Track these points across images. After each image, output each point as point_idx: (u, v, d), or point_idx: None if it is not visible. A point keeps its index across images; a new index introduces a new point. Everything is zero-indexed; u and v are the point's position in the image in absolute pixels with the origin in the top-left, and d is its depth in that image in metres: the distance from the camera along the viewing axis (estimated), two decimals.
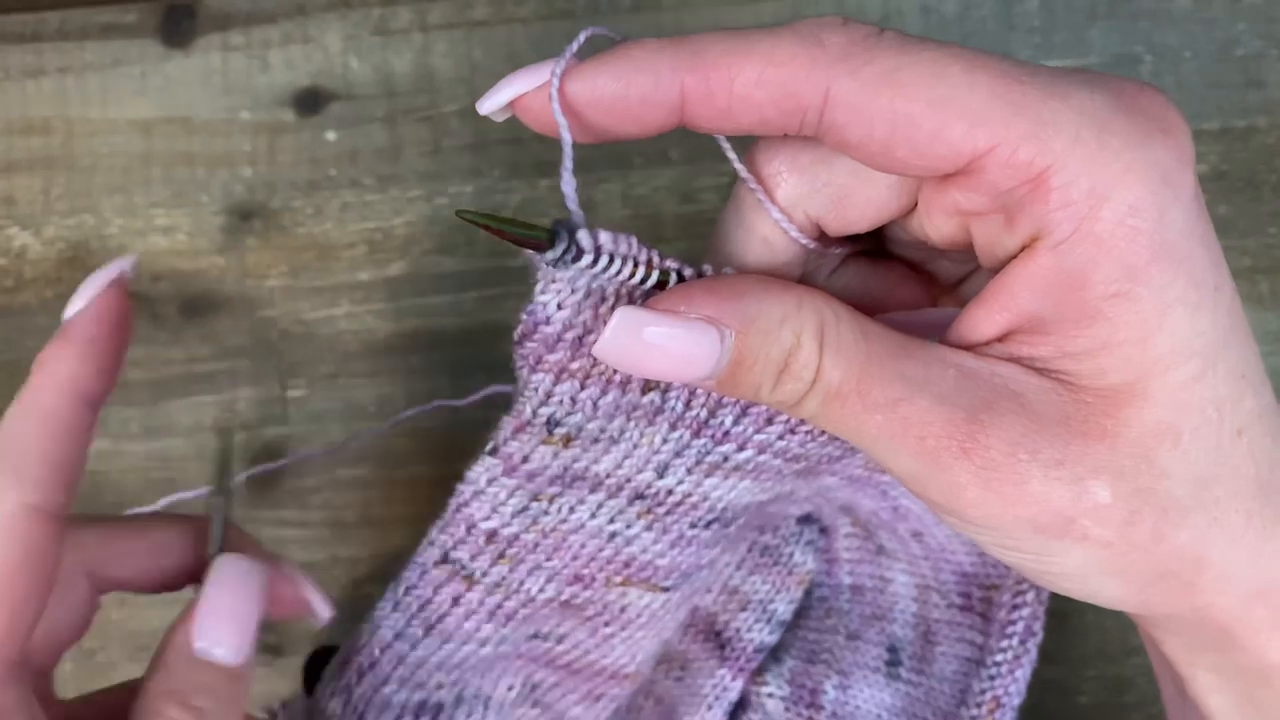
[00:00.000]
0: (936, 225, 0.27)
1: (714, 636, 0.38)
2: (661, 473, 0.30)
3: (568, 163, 0.26)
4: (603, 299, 0.26)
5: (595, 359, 0.27)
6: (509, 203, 0.46)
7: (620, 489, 0.30)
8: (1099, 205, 0.23)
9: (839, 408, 0.26)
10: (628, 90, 0.26)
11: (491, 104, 0.27)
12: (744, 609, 0.38)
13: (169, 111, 0.47)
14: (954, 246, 0.27)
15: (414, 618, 0.33)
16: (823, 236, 0.28)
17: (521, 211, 0.46)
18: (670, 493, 0.31)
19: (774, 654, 0.39)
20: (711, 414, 0.29)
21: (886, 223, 0.28)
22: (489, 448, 0.30)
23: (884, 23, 0.46)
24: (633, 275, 0.26)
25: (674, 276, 0.26)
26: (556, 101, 0.26)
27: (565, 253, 0.25)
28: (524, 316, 0.27)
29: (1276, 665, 0.27)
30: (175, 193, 0.47)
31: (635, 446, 0.29)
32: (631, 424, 0.29)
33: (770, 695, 0.38)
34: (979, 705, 0.35)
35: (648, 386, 0.28)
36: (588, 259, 0.25)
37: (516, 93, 0.26)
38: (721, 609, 0.39)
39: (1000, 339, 0.26)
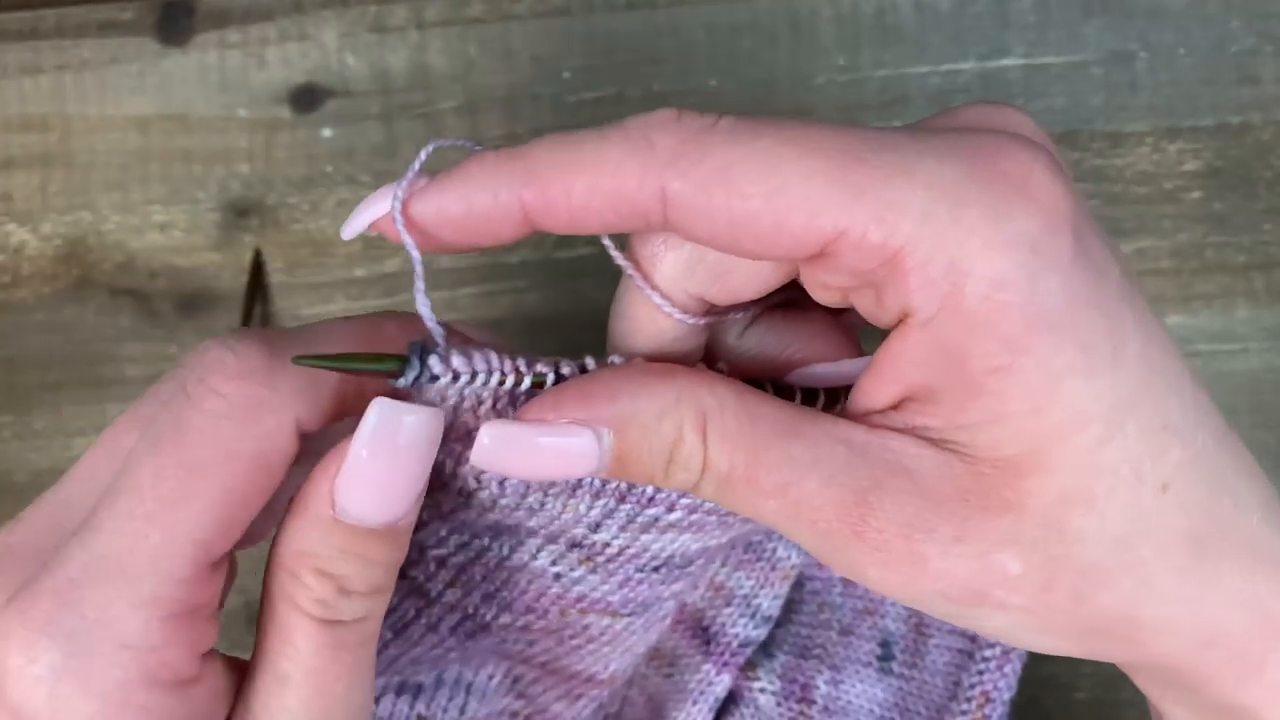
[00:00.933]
0: (818, 294, 0.26)
1: (700, 632, 0.38)
2: (594, 529, 0.29)
3: (419, 283, 0.26)
4: (479, 402, 0.26)
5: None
6: None
7: (557, 537, 0.30)
8: (961, 282, 0.23)
9: (733, 493, 0.26)
10: (470, 208, 0.25)
11: (351, 229, 0.27)
12: (729, 604, 0.38)
13: (166, 109, 0.47)
14: (845, 307, 0.27)
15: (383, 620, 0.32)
16: (713, 308, 0.28)
17: None
18: (607, 545, 0.30)
19: (766, 649, 0.39)
20: (630, 485, 0.28)
21: (774, 289, 0.27)
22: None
23: (878, 19, 0.46)
24: (503, 383, 0.25)
25: (551, 377, 0.26)
26: (400, 223, 0.26)
27: (419, 378, 0.25)
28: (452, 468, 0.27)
29: (1246, 707, 0.26)
30: (172, 189, 0.47)
31: (560, 514, 0.28)
32: (550, 498, 0.28)
33: (762, 690, 0.38)
34: (969, 700, 0.35)
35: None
36: (446, 379, 0.25)
37: (372, 218, 0.27)
38: (708, 605, 0.39)
39: (894, 407, 0.25)
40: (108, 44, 0.47)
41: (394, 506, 0.25)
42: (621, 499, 0.28)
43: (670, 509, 0.29)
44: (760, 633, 0.38)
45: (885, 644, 0.38)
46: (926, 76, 0.46)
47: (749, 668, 0.38)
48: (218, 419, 0.24)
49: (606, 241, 0.27)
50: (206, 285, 0.47)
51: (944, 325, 0.23)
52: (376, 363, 0.25)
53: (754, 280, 0.26)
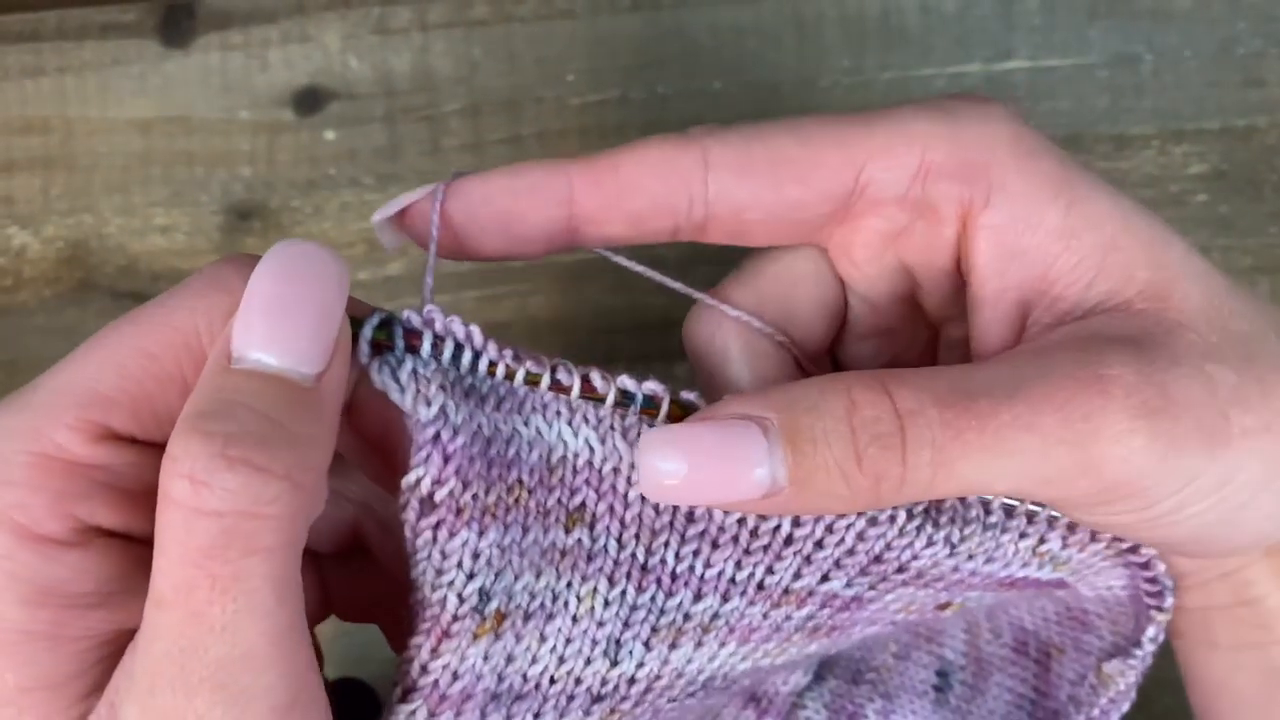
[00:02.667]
0: (869, 274, 0.28)
1: (751, 700, 0.35)
2: (615, 658, 0.26)
3: (429, 278, 0.25)
4: (481, 400, 0.24)
5: (501, 477, 0.24)
6: None
7: (572, 697, 0.26)
8: (989, 160, 0.26)
9: (953, 438, 0.23)
10: (516, 180, 0.26)
11: (383, 213, 0.27)
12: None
13: (168, 111, 0.47)
14: (890, 297, 0.29)
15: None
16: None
17: None
18: (632, 681, 0.26)
19: (818, 672, 0.36)
20: (649, 550, 0.26)
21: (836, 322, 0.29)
22: (398, 692, 0.24)
23: (883, 21, 0.46)
24: (491, 371, 0.24)
25: (548, 378, 0.24)
26: (436, 213, 0.26)
27: (384, 340, 0.24)
28: (411, 471, 0.23)
29: None
30: (174, 192, 0.47)
31: (575, 620, 0.25)
32: (563, 581, 0.25)
33: (808, 719, 0.37)
34: None
35: (570, 522, 0.25)
36: (426, 351, 0.24)
37: (410, 200, 0.26)
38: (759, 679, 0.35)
39: (1021, 322, 0.27)
40: (109, 46, 0.47)
41: (296, 345, 0.22)
42: (640, 585, 0.26)
43: (698, 594, 0.26)
44: (810, 676, 0.35)
45: (943, 673, 0.36)
46: (932, 79, 0.46)
47: (796, 694, 0.36)
48: (153, 307, 0.24)
49: (717, 306, 0.28)
50: None
51: (1005, 193, 0.26)
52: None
53: (815, 304, 0.29)
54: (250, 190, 0.47)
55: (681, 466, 0.23)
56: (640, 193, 0.26)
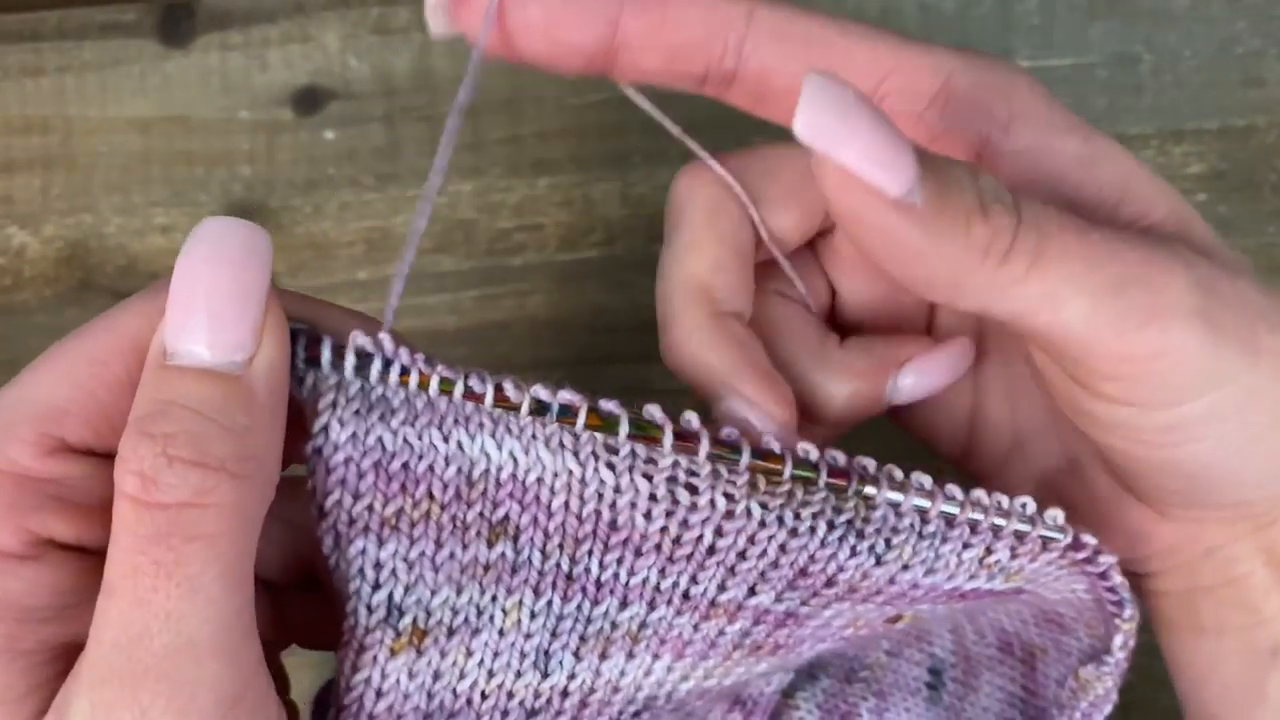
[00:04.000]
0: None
1: (735, 704, 0.34)
2: (545, 669, 0.26)
3: (409, 254, 0.26)
4: (390, 412, 0.24)
5: (405, 490, 0.24)
6: (507, 201, 0.46)
7: (505, 712, 0.26)
8: (1009, 92, 0.27)
9: (1057, 232, 0.24)
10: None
11: (435, 7, 0.27)
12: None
13: (168, 110, 0.47)
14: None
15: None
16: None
17: (520, 210, 0.46)
18: (565, 693, 0.27)
19: (810, 671, 0.36)
20: (573, 559, 0.26)
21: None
22: (331, 714, 0.25)
23: (882, 21, 0.46)
24: (404, 380, 0.24)
25: (460, 385, 0.24)
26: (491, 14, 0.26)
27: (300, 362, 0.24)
28: (311, 473, 0.24)
29: None
30: (174, 192, 0.47)
31: (501, 633, 0.26)
32: (487, 595, 0.26)
33: (801, 718, 0.36)
34: None
35: (493, 535, 0.26)
36: (326, 362, 0.24)
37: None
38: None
39: None
40: (109, 46, 0.47)
41: (225, 333, 0.22)
42: (565, 594, 0.26)
43: (624, 601, 0.26)
44: (791, 675, 0.35)
45: (935, 671, 0.35)
46: None
47: (789, 694, 0.36)
48: (103, 317, 0.24)
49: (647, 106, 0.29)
50: None
51: (1025, 133, 0.26)
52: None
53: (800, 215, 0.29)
54: (250, 190, 0.47)
55: (842, 118, 0.23)
56: (684, 28, 0.26)
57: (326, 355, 0.24)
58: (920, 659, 0.36)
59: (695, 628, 0.27)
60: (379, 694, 0.25)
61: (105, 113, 0.47)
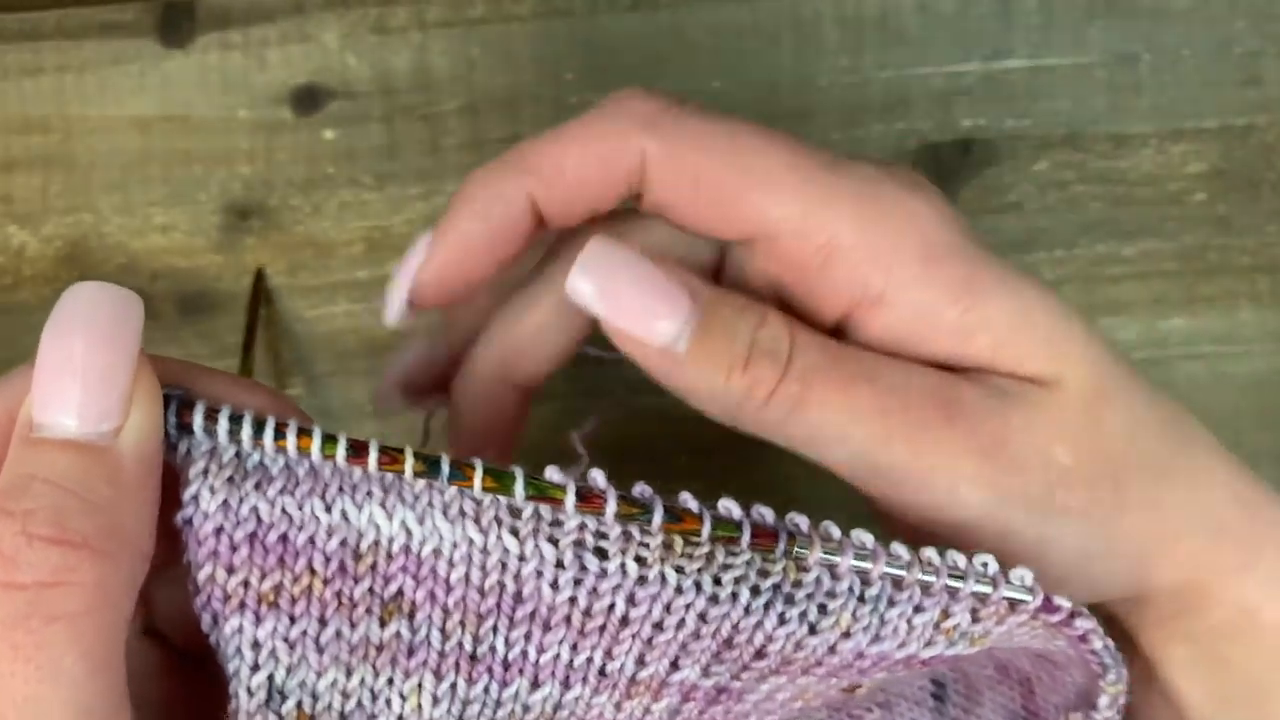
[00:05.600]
0: (750, 279, 0.29)
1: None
2: None
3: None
4: (267, 480, 0.23)
5: (283, 564, 0.23)
6: None
7: None
8: (890, 262, 0.27)
9: (822, 382, 0.26)
10: (487, 219, 0.28)
11: (392, 313, 0.30)
12: None
13: (167, 110, 0.47)
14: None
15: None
16: None
17: None
18: None
19: None
20: (476, 638, 0.24)
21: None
22: None
23: (881, 20, 0.46)
24: (283, 445, 0.22)
25: (343, 447, 0.23)
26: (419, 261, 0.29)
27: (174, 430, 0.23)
28: (184, 546, 0.23)
29: (1246, 606, 0.28)
30: (173, 191, 0.47)
31: (399, 719, 0.24)
32: (381, 678, 0.24)
33: None
34: None
35: (386, 613, 0.24)
36: (199, 429, 0.23)
37: (406, 289, 0.29)
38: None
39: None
40: (109, 45, 0.47)
41: (92, 403, 0.21)
42: (470, 676, 0.24)
43: (535, 682, 0.24)
44: None
45: (938, 682, 0.34)
46: (930, 78, 0.46)
47: None
48: None
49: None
50: (208, 287, 0.47)
51: (899, 308, 0.27)
52: None
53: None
54: (249, 189, 0.47)
55: (610, 282, 0.25)
56: (588, 189, 0.28)
57: (199, 420, 0.23)
58: (923, 670, 0.35)
59: (617, 707, 0.25)
60: None
61: (105, 112, 0.47)
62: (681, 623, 0.24)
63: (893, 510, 0.27)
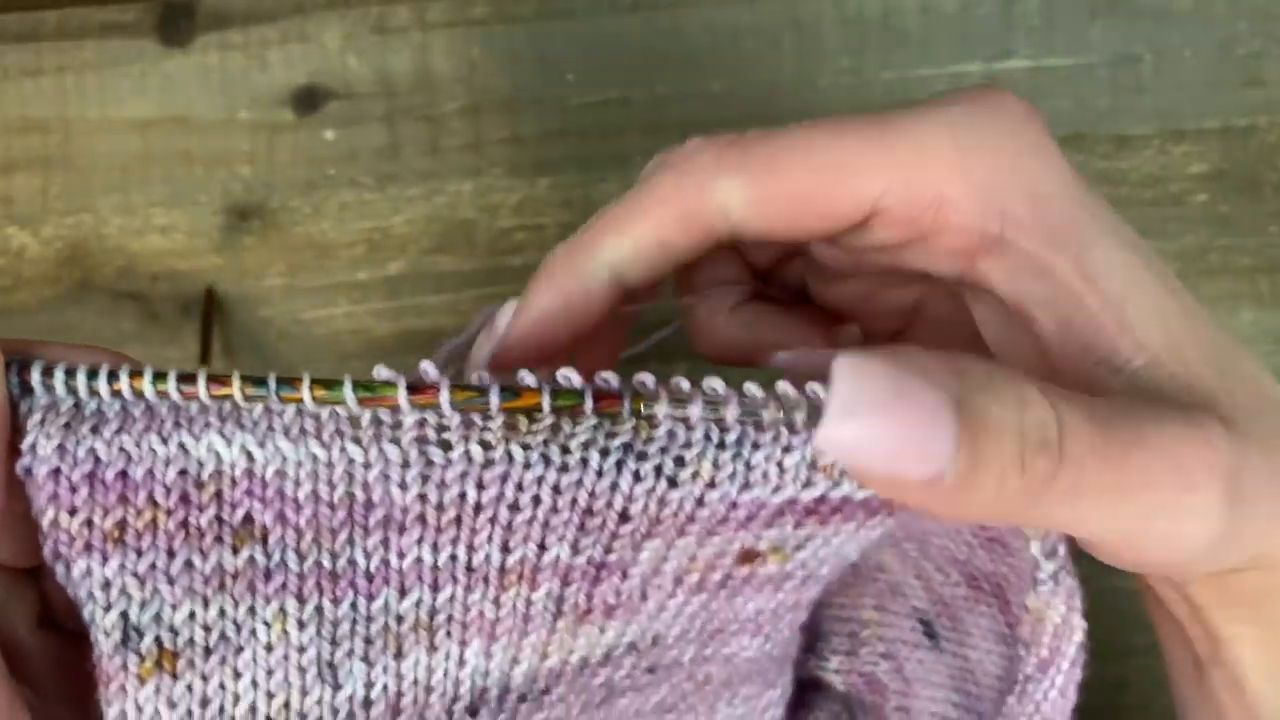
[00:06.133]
0: (870, 258, 0.27)
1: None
2: (335, 681, 0.24)
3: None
4: (103, 422, 0.23)
5: (124, 500, 0.23)
6: (508, 202, 0.46)
7: None
8: (1002, 203, 0.25)
9: (1096, 465, 0.21)
10: (568, 296, 0.26)
11: (476, 373, 0.26)
12: None
13: (167, 111, 0.47)
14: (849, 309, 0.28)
15: None
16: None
17: (521, 210, 0.46)
18: (369, 703, 0.24)
19: (814, 647, 0.35)
20: (334, 553, 0.24)
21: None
22: None
23: (883, 21, 0.46)
24: (117, 390, 0.22)
25: (173, 380, 0.22)
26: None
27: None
28: (27, 497, 0.23)
29: None
30: (173, 192, 0.47)
31: (269, 648, 0.24)
32: (242, 607, 0.23)
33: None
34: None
35: (238, 540, 0.24)
36: (36, 385, 0.23)
37: (488, 353, 0.28)
38: None
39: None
40: (109, 46, 0.47)
41: None
42: (335, 596, 0.24)
43: (403, 589, 0.24)
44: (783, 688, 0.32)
45: (925, 621, 0.34)
46: (931, 79, 0.46)
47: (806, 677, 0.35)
48: None
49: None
50: (208, 288, 0.47)
51: (1014, 250, 0.25)
52: None
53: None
54: (249, 190, 0.47)
55: (884, 417, 0.19)
56: (671, 252, 0.26)
57: (36, 376, 0.23)
58: (906, 611, 0.34)
59: (496, 603, 0.25)
60: None
61: (105, 113, 0.47)
62: (536, 499, 0.24)
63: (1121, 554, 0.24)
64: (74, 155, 0.47)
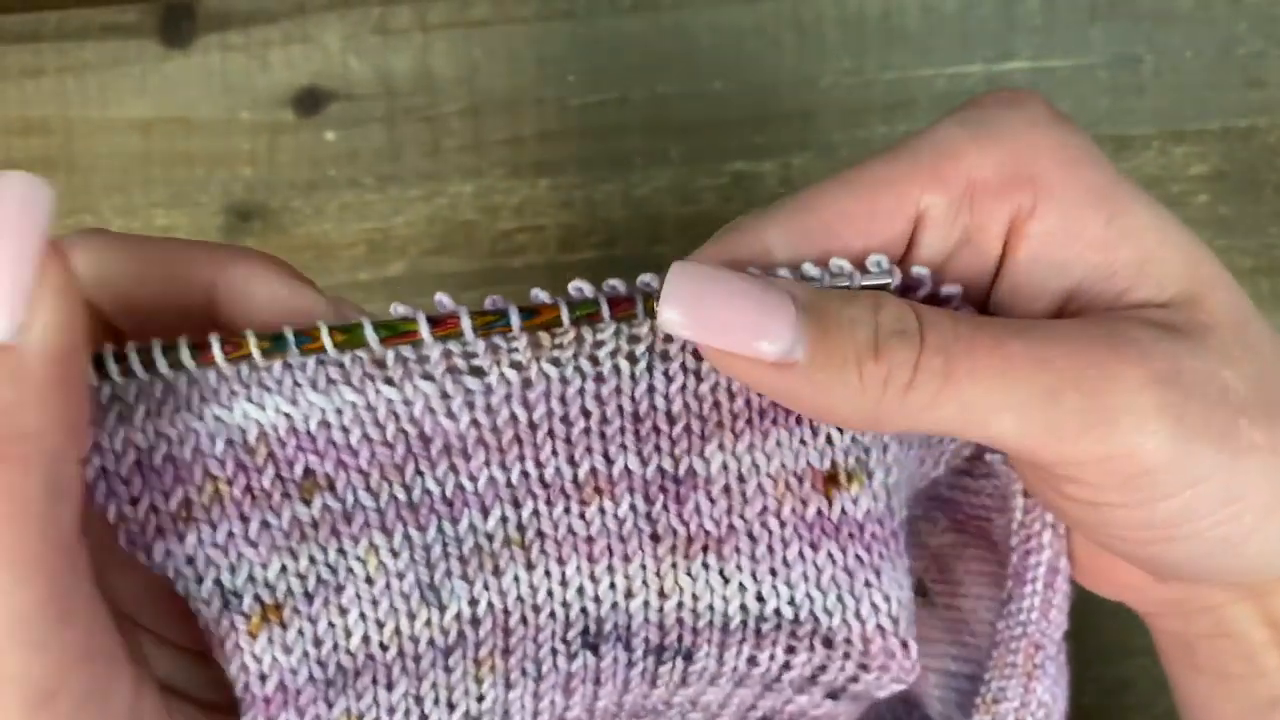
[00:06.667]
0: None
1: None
2: (439, 601, 0.24)
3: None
4: (128, 410, 0.23)
5: (180, 480, 0.23)
6: (509, 203, 0.46)
7: (418, 658, 0.25)
8: (1033, 171, 0.25)
9: (965, 351, 0.23)
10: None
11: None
12: None
13: (168, 111, 0.47)
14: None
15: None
16: None
17: (521, 211, 0.46)
18: (476, 621, 0.25)
19: None
20: (406, 486, 0.24)
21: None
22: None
23: (884, 21, 0.46)
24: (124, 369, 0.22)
25: (183, 351, 0.22)
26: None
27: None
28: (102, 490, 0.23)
29: None
30: (174, 193, 0.47)
31: (369, 581, 0.24)
32: (330, 551, 0.24)
33: None
34: (1015, 652, 0.31)
35: (305, 493, 0.24)
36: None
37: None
38: None
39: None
40: (110, 46, 0.47)
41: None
42: (421, 524, 0.24)
43: (484, 509, 0.24)
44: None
45: (915, 579, 0.34)
46: (932, 79, 0.46)
47: None
48: None
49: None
50: None
51: (1049, 216, 0.25)
52: None
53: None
54: (250, 191, 0.47)
55: (701, 304, 0.23)
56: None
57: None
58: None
59: (582, 517, 0.25)
60: (262, 677, 0.24)
61: (106, 114, 0.47)
62: (585, 411, 0.25)
63: (1063, 482, 0.25)
64: (75, 156, 0.47)
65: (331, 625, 0.24)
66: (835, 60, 0.46)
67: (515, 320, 0.23)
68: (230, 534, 0.24)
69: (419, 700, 0.25)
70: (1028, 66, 0.46)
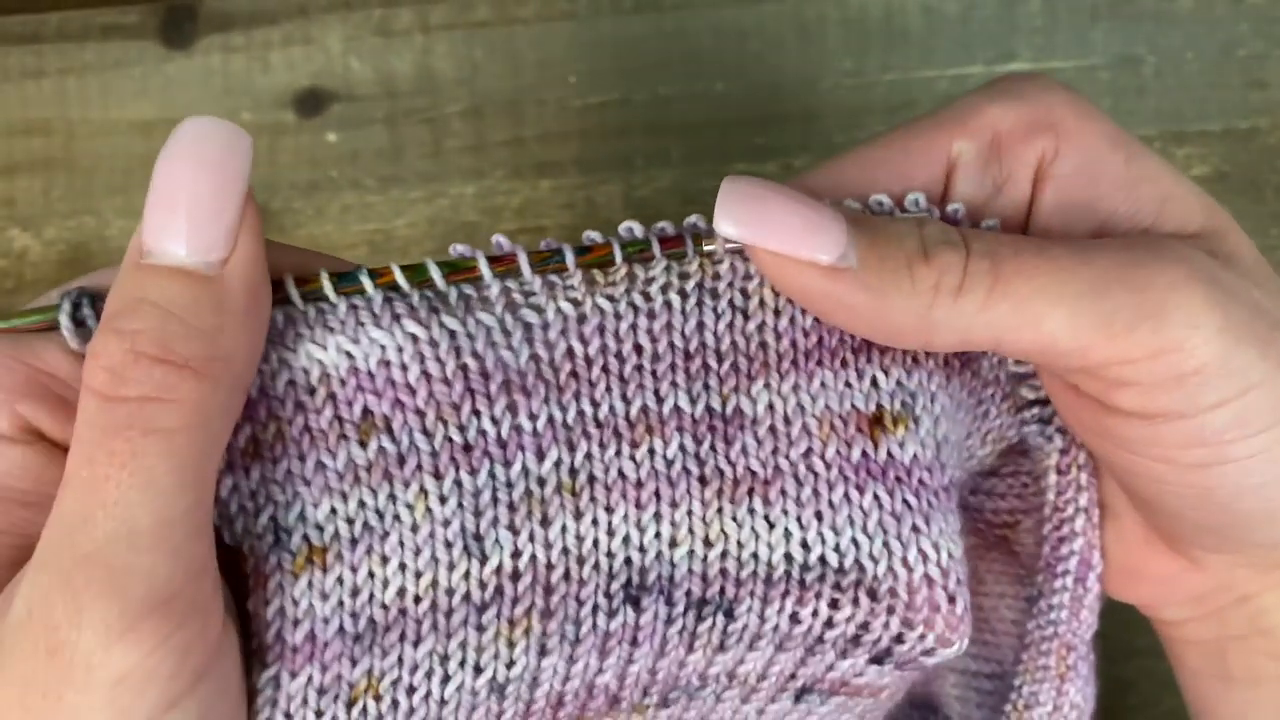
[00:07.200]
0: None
1: None
2: (481, 552, 0.24)
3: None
4: None
5: (249, 419, 0.24)
6: (510, 204, 0.46)
7: (450, 612, 0.25)
8: (1053, 118, 0.27)
9: (1012, 255, 0.24)
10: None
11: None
12: None
13: (169, 113, 0.47)
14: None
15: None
16: None
17: (523, 213, 0.46)
18: (516, 575, 0.25)
19: None
20: (461, 427, 0.24)
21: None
22: (258, 664, 0.24)
23: (885, 23, 0.46)
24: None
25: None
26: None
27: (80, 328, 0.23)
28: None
29: None
30: None
31: (415, 528, 0.24)
32: (380, 496, 0.24)
33: None
34: (1046, 654, 0.31)
35: (363, 434, 0.24)
36: None
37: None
38: None
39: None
40: (111, 47, 0.47)
41: (200, 233, 0.22)
42: (472, 468, 0.24)
43: (540, 452, 0.25)
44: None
45: None
46: (934, 81, 0.46)
47: None
48: None
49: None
50: None
51: (1071, 157, 0.27)
52: (40, 314, 0.24)
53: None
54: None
55: (755, 210, 0.24)
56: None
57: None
58: None
59: (633, 459, 0.26)
60: (295, 622, 0.24)
61: (107, 115, 0.47)
62: (638, 347, 0.26)
63: (1113, 389, 0.25)
64: (76, 157, 0.47)
65: (371, 575, 0.24)
66: (837, 61, 0.46)
67: (570, 257, 0.25)
68: (289, 471, 0.24)
69: (444, 659, 0.25)
70: (1029, 68, 0.46)
